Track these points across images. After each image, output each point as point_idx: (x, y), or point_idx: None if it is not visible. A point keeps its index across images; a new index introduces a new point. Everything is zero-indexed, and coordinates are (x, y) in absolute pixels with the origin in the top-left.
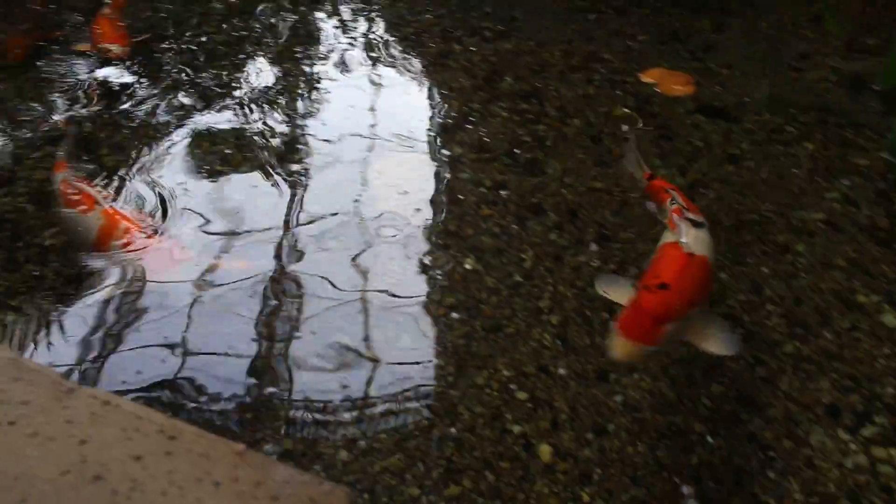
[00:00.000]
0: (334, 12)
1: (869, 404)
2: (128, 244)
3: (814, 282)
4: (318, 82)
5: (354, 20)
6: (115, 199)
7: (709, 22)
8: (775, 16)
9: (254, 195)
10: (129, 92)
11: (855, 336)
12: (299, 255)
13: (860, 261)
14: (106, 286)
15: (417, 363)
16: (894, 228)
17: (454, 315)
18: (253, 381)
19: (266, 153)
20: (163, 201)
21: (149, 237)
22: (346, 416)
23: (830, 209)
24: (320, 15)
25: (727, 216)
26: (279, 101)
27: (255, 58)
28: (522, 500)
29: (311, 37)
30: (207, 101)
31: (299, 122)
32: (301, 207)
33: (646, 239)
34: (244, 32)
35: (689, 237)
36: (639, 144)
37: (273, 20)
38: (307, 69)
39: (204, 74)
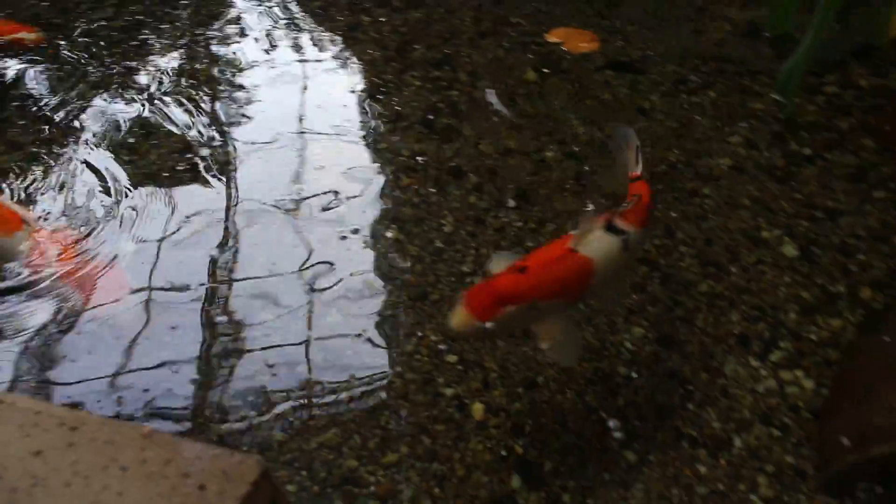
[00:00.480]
0: None
1: (775, 331)
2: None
3: (722, 222)
4: (225, 63)
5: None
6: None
7: None
8: None
9: (181, 192)
10: (25, 85)
11: (760, 269)
12: (224, 241)
13: (762, 199)
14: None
15: (346, 336)
16: (790, 166)
17: (379, 286)
18: (185, 369)
19: (182, 143)
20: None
21: (77, 260)
22: (278, 396)
23: (733, 153)
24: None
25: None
26: (187, 85)
27: (158, 42)
28: (458, 459)
29: (213, 17)
30: (111, 91)
31: (209, 107)
32: (229, 195)
33: (562, 196)
34: (141, 17)
35: (588, 237)
36: (638, 144)
37: (172, 1)
38: (212, 50)
39: (105, 63)
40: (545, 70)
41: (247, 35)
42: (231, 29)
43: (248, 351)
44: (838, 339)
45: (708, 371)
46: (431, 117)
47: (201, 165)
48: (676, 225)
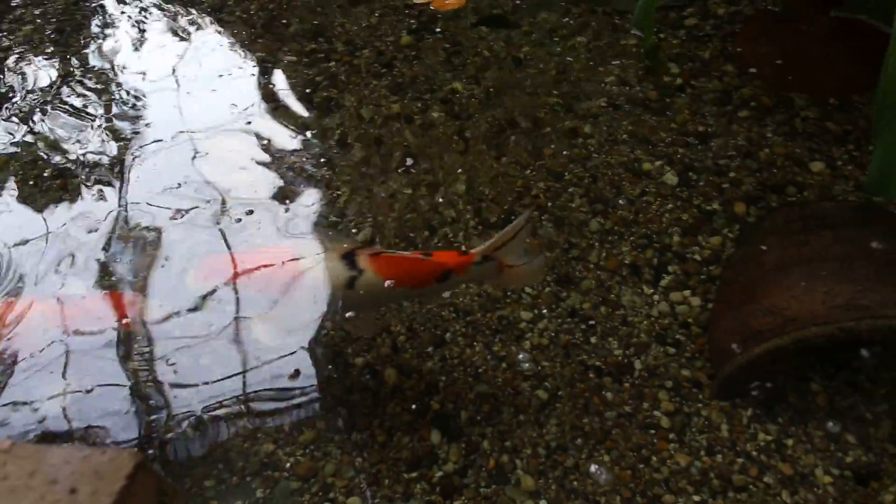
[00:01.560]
0: None
1: (662, 256)
2: None
3: (604, 159)
4: (91, 60)
5: None
6: None
7: None
8: None
9: (76, 208)
10: None
11: (645, 200)
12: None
13: (640, 132)
14: None
15: (249, 318)
16: (663, 98)
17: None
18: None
19: (73, 161)
20: None
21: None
22: (188, 390)
23: (608, 92)
24: None
25: (524, 118)
26: (55, 84)
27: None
28: (378, 425)
29: (71, 18)
30: None
31: (79, 107)
32: (118, 200)
33: (450, 155)
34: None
35: (324, 256)
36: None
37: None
38: (81, 52)
39: None
40: (421, 32)
41: (111, 28)
42: (93, 22)
43: (146, 351)
44: (719, 256)
45: (607, 304)
46: (310, 91)
47: (82, 173)
48: (564, 167)
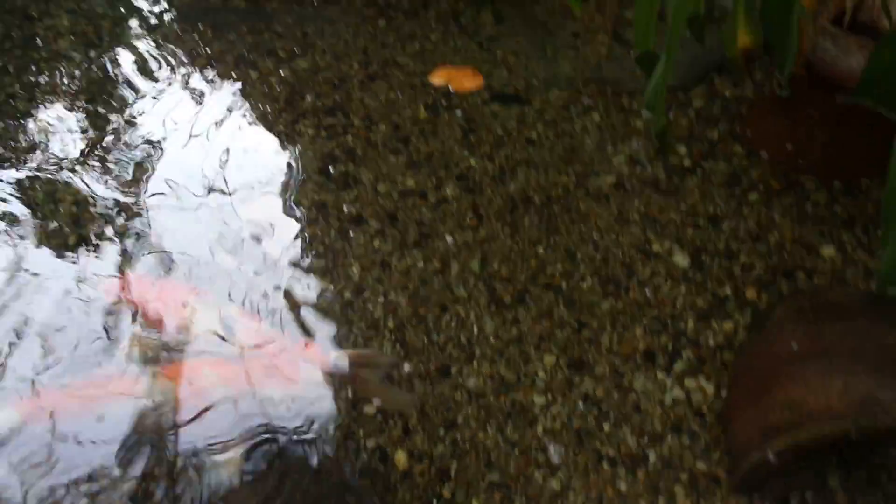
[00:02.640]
0: (118, 51)
1: (676, 342)
2: None
3: (615, 239)
4: (120, 128)
5: (142, 59)
6: None
7: (490, 15)
8: (548, 3)
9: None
10: None
11: (656, 282)
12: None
13: (649, 213)
14: None
15: (258, 401)
16: (671, 179)
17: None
18: None
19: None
20: None
21: None
22: (196, 470)
23: (619, 172)
24: (107, 56)
25: (536, 194)
26: (83, 151)
27: (54, 106)
28: None
29: (106, 81)
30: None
31: (102, 172)
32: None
33: (462, 231)
34: (33, 79)
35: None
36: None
37: (60, 64)
38: (109, 116)
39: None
40: (437, 109)
41: (140, 97)
42: (122, 92)
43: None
44: (731, 342)
45: (619, 390)
46: (328, 165)
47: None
48: (576, 247)
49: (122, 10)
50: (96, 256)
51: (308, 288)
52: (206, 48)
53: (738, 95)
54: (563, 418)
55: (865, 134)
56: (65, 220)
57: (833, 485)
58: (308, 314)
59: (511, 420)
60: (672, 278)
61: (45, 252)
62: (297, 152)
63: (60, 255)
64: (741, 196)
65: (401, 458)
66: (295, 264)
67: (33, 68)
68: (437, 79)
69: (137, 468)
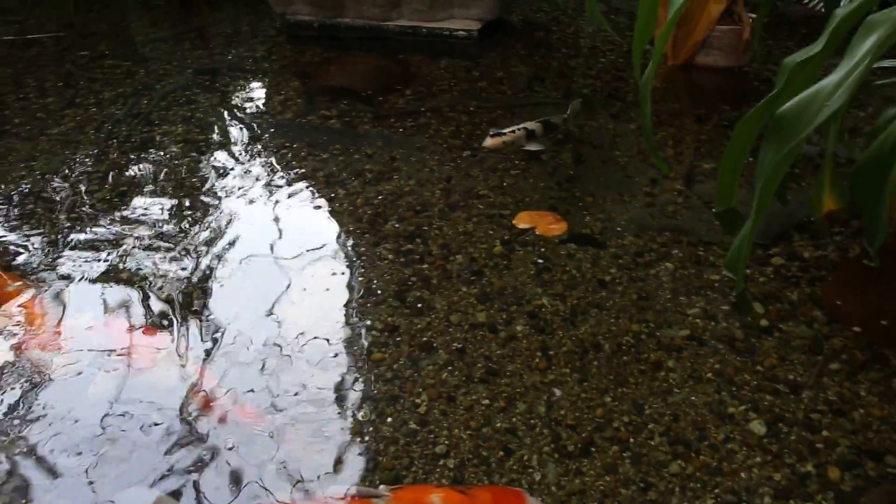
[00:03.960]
0: (213, 161)
1: None
2: None
3: (687, 396)
4: (212, 252)
5: (236, 170)
6: None
7: (569, 154)
8: (627, 145)
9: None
10: None
11: (730, 448)
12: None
13: (724, 371)
14: None
15: None
16: (748, 338)
17: (354, 469)
18: None
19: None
20: None
21: None
22: None
23: (693, 325)
24: (200, 161)
25: (606, 341)
26: (173, 278)
27: (150, 210)
28: None
29: (195, 186)
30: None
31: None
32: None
33: (530, 371)
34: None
35: None
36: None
37: (151, 167)
38: (190, 230)
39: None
40: (512, 244)
41: (226, 211)
42: (208, 201)
43: None
44: None
45: None
46: (403, 290)
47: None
48: (644, 400)
49: (230, 120)
50: None
51: (371, 410)
52: (298, 164)
53: (820, 257)
54: None
55: None
56: None
57: None
58: (369, 435)
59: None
60: (747, 446)
61: None
62: (374, 274)
63: None
64: (822, 364)
65: None
66: (362, 389)
67: (149, 168)
68: (522, 222)
69: None
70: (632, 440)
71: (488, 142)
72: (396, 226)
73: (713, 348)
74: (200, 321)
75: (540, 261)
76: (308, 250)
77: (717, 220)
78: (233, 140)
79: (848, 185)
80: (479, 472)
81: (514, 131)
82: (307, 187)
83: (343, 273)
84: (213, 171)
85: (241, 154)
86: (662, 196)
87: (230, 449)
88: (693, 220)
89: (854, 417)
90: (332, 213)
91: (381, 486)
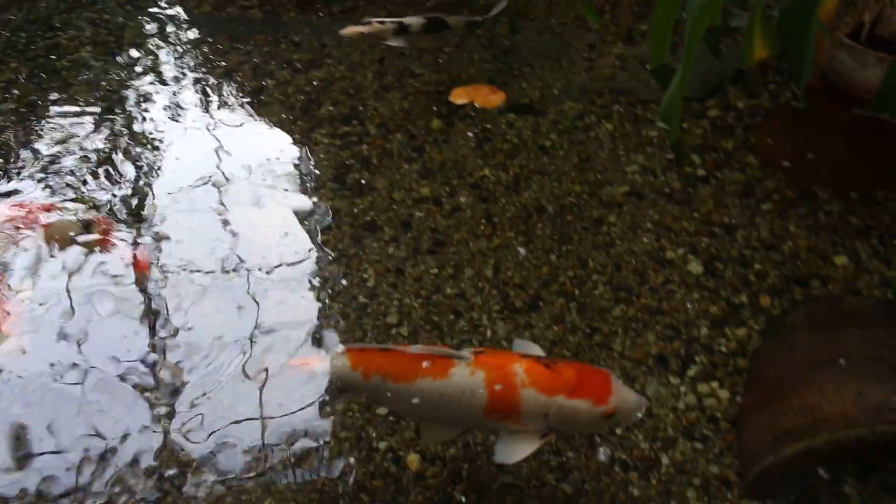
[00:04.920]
0: (135, 60)
1: (689, 347)
2: None
3: (628, 247)
4: (136, 137)
5: (158, 68)
6: None
7: (505, 27)
8: (563, 13)
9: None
10: None
11: (669, 288)
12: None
13: (663, 221)
14: None
15: (279, 401)
16: (686, 188)
17: (307, 346)
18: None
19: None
20: None
21: None
22: (205, 465)
23: (632, 181)
24: (121, 61)
25: (550, 204)
26: (95, 160)
27: (72, 114)
28: None
29: (118, 87)
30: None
31: (123, 180)
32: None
33: (476, 239)
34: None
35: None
36: None
37: (81, 73)
38: (118, 123)
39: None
40: (451, 118)
41: (151, 104)
42: (140, 102)
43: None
44: (745, 348)
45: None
46: (343, 173)
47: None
48: (588, 254)
49: (142, 19)
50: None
51: (322, 292)
52: (224, 58)
53: (754, 106)
54: None
55: (882, 146)
56: None
57: (848, 490)
58: (319, 314)
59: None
60: (686, 285)
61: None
62: (312, 159)
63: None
64: (755, 205)
65: (413, 460)
66: (308, 269)
67: (55, 76)
68: (459, 98)
69: None
70: (577, 292)
71: (346, 30)
72: (331, 109)
73: (652, 201)
74: (140, 212)
75: (480, 132)
76: (239, 143)
77: (652, 77)
78: (148, 40)
79: (776, 30)
80: (432, 336)
81: (382, 22)
82: (233, 81)
83: (278, 159)
84: (130, 73)
85: (159, 54)
86: (600, 60)
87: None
88: (630, 81)
89: (784, 250)
90: (262, 104)
91: (465, 349)
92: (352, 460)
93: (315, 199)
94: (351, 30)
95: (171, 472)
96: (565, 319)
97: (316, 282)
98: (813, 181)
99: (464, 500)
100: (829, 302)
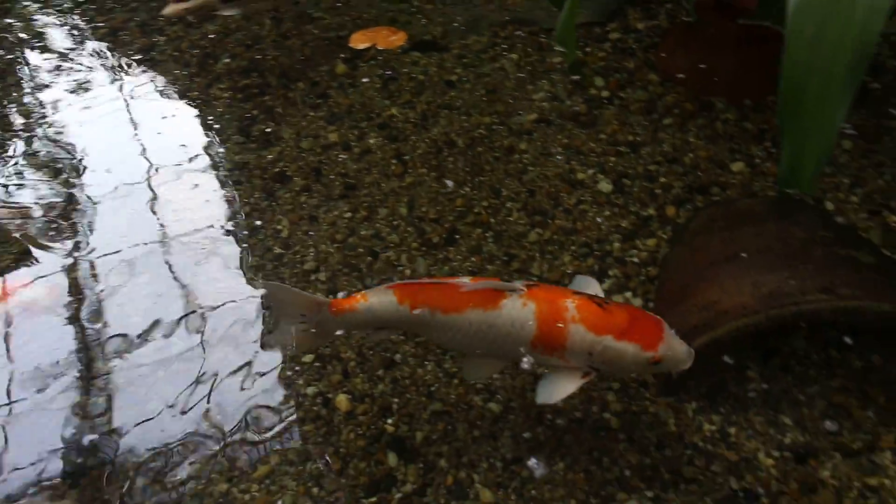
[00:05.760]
0: (8, 27)
1: (603, 262)
2: None
3: (540, 172)
4: (27, 106)
5: (39, 32)
6: None
7: None
8: None
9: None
10: None
11: (581, 209)
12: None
13: (572, 144)
14: None
15: (198, 358)
16: (591, 110)
17: (226, 306)
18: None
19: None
20: None
21: None
22: (131, 436)
23: (540, 108)
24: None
25: (460, 137)
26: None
27: None
28: (332, 453)
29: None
30: None
31: (20, 155)
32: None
33: (390, 177)
34: None
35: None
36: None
37: None
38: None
39: None
40: (355, 61)
41: (35, 75)
42: (24, 69)
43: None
44: (655, 257)
45: None
46: (247, 125)
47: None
48: (500, 183)
49: None
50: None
51: (238, 247)
52: (106, 19)
53: (652, 26)
54: None
55: (767, 53)
56: None
57: (751, 374)
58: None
59: (449, 354)
60: (597, 204)
61: None
62: (214, 115)
63: None
64: (658, 121)
65: (342, 400)
66: (222, 227)
67: None
68: (360, 43)
69: None
70: (492, 220)
71: (168, 9)
72: (228, 62)
73: (560, 126)
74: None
75: (385, 73)
76: (135, 107)
77: (550, 2)
78: (17, 4)
79: None
80: (352, 279)
81: None
82: (119, 39)
83: (174, 116)
84: (3, 42)
85: (33, 22)
86: None
87: None
88: (532, 10)
89: (685, 162)
90: (154, 61)
91: (518, 282)
92: (280, 409)
93: (221, 154)
94: (172, 8)
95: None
96: (483, 249)
97: (230, 239)
98: (709, 93)
99: (396, 430)
100: (727, 205)
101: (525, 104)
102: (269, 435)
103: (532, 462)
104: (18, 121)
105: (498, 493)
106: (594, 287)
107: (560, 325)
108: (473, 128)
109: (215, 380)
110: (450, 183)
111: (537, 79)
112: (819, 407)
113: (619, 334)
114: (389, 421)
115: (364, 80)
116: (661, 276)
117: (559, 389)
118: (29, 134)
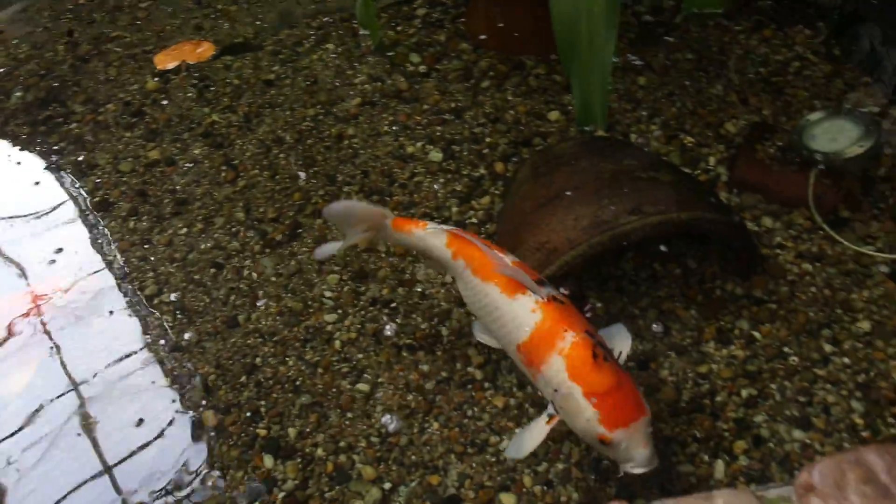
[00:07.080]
0: None
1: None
2: None
3: (372, 153)
4: None
5: None
6: None
7: None
8: None
9: None
10: None
11: (416, 181)
12: None
13: (398, 121)
14: None
15: None
16: (412, 86)
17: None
18: None
19: None
20: None
21: None
22: None
23: (363, 91)
24: None
25: (287, 133)
26: None
27: None
28: (207, 471)
29: None
30: None
31: None
32: None
33: (219, 187)
34: None
35: None
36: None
37: None
38: None
39: None
40: (165, 75)
41: None
42: None
43: None
44: (491, 214)
45: (403, 284)
46: (57, 158)
47: None
48: (335, 170)
49: None
50: None
51: (70, 286)
52: None
53: None
54: (358, 326)
55: None
56: None
57: (592, 300)
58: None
59: (309, 345)
60: (430, 174)
61: None
62: (14, 155)
63: None
64: (476, 86)
65: (208, 416)
66: (50, 263)
67: None
68: (165, 63)
69: None
70: None
71: None
72: (23, 96)
73: (384, 105)
74: None
75: (199, 82)
76: None
77: None
78: None
79: None
80: (200, 295)
81: None
82: None
83: None
84: None
85: None
86: None
87: None
88: None
89: (507, 119)
90: None
91: (547, 288)
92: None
93: (34, 193)
94: None
95: None
96: (328, 238)
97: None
98: (518, 52)
99: (268, 432)
100: (545, 151)
101: (347, 90)
102: (138, 462)
103: (407, 430)
104: None
105: (379, 467)
106: (623, 342)
107: (548, 348)
108: (299, 121)
109: None
110: (302, 174)
111: (356, 63)
112: (651, 316)
113: (590, 393)
114: (261, 425)
115: (178, 92)
116: (498, 229)
117: (526, 443)
118: None
